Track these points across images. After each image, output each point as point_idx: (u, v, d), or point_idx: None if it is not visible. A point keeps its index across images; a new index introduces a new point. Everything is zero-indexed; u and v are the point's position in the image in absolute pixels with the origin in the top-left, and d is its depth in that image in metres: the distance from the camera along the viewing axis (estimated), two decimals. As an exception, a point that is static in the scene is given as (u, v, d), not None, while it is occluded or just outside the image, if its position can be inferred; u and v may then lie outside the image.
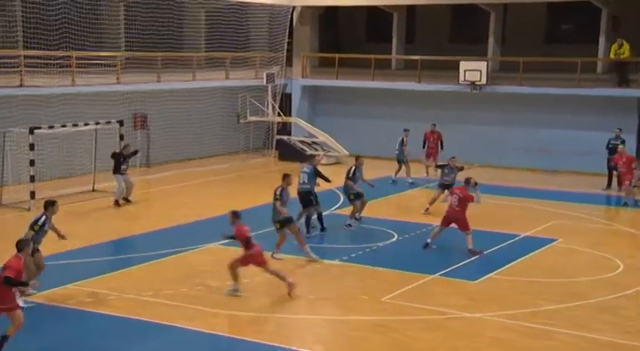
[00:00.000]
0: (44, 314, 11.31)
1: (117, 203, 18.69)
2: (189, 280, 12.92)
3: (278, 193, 13.97)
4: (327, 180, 16.32)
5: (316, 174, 15.95)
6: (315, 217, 16.15)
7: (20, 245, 10.13)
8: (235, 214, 12.01)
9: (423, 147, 23.06)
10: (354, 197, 16.86)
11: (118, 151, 19.28)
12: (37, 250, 11.92)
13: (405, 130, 22.28)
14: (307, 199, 15.79)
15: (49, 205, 12.19)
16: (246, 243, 11.78)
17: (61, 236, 12.42)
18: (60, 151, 21.22)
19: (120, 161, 18.72)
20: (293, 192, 15.10)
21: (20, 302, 10.87)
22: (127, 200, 18.95)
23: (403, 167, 22.07)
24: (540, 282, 13.26)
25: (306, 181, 15.86)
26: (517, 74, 24.71)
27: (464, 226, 14.71)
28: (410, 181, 21.70)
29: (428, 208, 18.09)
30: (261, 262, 11.92)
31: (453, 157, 18.49)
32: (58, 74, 20.80)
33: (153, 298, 12.00)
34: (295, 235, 14.09)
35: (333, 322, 11.27)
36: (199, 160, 26.03)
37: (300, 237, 14.20)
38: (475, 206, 18.88)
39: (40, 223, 11.90)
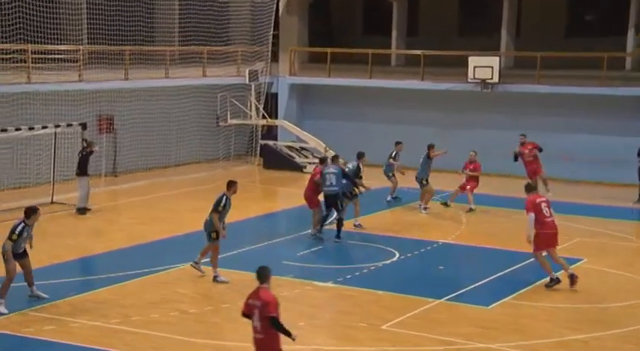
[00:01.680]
0: (-4, 345, 11.25)
1: (83, 211, 18.83)
2: (162, 304, 12.88)
3: (222, 203, 14.02)
4: (354, 184, 17.05)
5: (344, 175, 16.65)
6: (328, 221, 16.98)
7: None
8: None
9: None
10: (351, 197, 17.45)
11: (85, 151, 19.40)
12: (26, 254, 12.66)
13: (397, 143, 21.38)
14: (334, 202, 16.57)
15: (32, 212, 12.64)
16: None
17: (30, 246, 12.93)
18: (14, 157, 21.15)
19: (88, 161, 19.03)
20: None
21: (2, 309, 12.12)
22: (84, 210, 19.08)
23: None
24: (564, 308, 13.28)
25: (334, 182, 16.56)
26: (534, 71, 24.84)
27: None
28: (388, 199, 20.99)
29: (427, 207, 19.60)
30: None
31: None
32: (12, 70, 20.73)
33: (120, 325, 11.96)
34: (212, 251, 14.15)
35: (326, 354, 11.24)
36: (173, 169, 25.99)
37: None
38: (488, 222, 19.07)
39: (17, 231, 12.39)
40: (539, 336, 11.92)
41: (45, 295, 12.94)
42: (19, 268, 12.72)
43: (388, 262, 15.75)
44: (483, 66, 24.82)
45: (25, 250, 12.70)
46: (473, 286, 14.20)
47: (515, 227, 18.84)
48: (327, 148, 24.72)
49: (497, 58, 25.07)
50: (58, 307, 12.70)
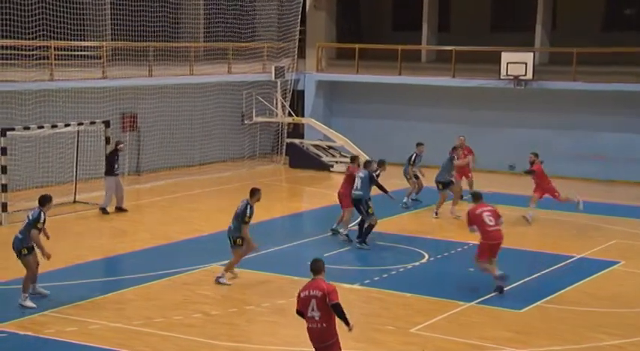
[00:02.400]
0: (18, 345, 11.38)
1: (105, 210, 18.96)
2: (185, 306, 12.95)
3: (248, 214, 14.00)
4: (383, 189, 16.94)
5: (371, 180, 16.70)
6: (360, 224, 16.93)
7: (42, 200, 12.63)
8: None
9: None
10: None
11: (112, 150, 19.58)
12: (33, 248, 12.82)
13: (419, 145, 20.98)
14: (357, 206, 16.65)
15: (47, 200, 12.96)
16: None
17: (47, 236, 13.22)
18: (36, 156, 21.38)
19: (114, 161, 19.18)
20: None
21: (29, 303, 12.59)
22: (120, 209, 19.25)
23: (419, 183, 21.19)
24: (599, 312, 13.16)
25: (359, 187, 16.61)
26: (569, 67, 24.65)
27: None
28: (404, 200, 20.36)
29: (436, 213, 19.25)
30: None
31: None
32: (35, 67, 20.96)
33: (143, 327, 12.03)
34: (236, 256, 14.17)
35: (353, 357, 11.24)
36: (197, 168, 26.13)
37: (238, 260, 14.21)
38: (521, 223, 18.93)
39: (42, 220, 12.72)
40: (572, 341, 11.83)
41: (46, 292, 13.16)
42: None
43: (417, 263, 15.71)
44: (517, 62, 24.65)
45: (32, 246, 12.86)
46: (505, 289, 14.08)
47: (548, 229, 18.76)
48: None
49: (532, 54, 24.88)
50: (80, 308, 12.81)
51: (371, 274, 14.83)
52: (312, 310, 9.17)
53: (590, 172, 24.94)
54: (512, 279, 14.58)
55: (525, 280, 14.71)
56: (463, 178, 20.99)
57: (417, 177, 20.85)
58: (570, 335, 12.06)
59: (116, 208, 19.34)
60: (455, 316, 12.77)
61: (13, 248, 12.90)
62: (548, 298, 13.70)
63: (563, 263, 15.90)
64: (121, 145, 19.87)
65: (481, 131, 25.31)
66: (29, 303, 12.67)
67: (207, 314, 12.60)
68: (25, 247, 12.75)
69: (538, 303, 13.44)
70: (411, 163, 20.74)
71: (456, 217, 19.15)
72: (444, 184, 19.51)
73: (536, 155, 19.34)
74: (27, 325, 11.97)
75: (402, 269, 15.30)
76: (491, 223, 13.73)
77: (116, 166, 19.39)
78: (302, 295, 9.36)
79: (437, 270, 15.41)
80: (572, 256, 16.33)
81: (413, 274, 15.08)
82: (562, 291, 14.09)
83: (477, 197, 14.32)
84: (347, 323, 9.28)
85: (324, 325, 9.16)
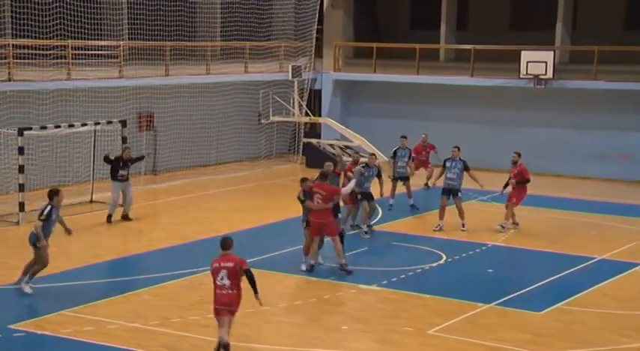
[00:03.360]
0: (35, 345, 11.49)
1: (109, 219, 18.44)
2: (202, 306, 12.99)
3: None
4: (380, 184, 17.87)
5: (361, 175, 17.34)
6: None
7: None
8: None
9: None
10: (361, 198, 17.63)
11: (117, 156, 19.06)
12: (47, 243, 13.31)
13: (402, 138, 20.86)
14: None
15: (54, 194, 13.44)
16: None
17: (68, 231, 13.75)
18: (53, 155, 21.55)
19: (119, 166, 18.49)
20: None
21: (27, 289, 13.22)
22: (125, 218, 18.67)
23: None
24: (620, 314, 13.10)
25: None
26: (591, 66, 24.52)
27: None
28: (390, 202, 20.05)
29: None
30: None
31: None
32: (52, 67, 21.14)
33: (159, 327, 12.11)
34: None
35: (370, 359, 11.27)
36: (214, 167, 26.23)
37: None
38: (541, 223, 18.86)
39: (45, 212, 13.27)
40: (592, 343, 11.79)
41: (29, 291, 13.36)
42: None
43: (435, 264, 15.70)
44: (537, 61, 24.56)
45: (46, 241, 13.29)
46: (523, 291, 14.08)
47: (568, 229, 18.69)
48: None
49: (552, 53, 24.78)
50: (97, 307, 12.90)
51: (388, 275, 14.82)
52: (222, 279, 10.67)
53: (614, 173, 24.78)
54: (532, 280, 14.58)
55: (545, 281, 14.66)
56: (421, 168, 22.07)
57: (398, 178, 20.27)
58: (591, 337, 12.02)
59: (122, 216, 18.67)
60: (473, 317, 12.76)
61: (29, 242, 13.40)
62: (568, 299, 13.66)
63: (584, 265, 15.84)
64: (128, 150, 18.96)
65: (500, 131, 25.26)
66: (28, 288, 13.27)
67: (223, 314, 12.64)
68: (39, 240, 13.26)
69: (558, 305, 13.39)
70: (392, 156, 20.55)
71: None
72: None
73: (519, 155, 18.34)
74: (44, 324, 12.08)
75: (419, 270, 15.30)
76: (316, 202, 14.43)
77: (122, 172, 18.47)
78: (214, 266, 10.84)
79: (455, 271, 15.38)
80: (593, 258, 16.27)
81: (430, 275, 15.07)
82: (582, 293, 14.04)
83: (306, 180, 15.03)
84: (255, 291, 10.63)
85: (234, 291, 10.67)
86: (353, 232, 17.43)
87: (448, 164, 18.11)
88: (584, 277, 14.94)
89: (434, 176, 21.33)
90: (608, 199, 21.87)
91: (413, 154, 20.75)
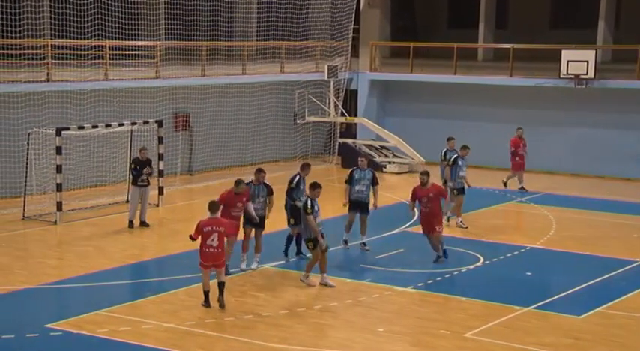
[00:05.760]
0: (72, 344, 11.63)
1: (130, 224, 18.10)
2: (237, 307, 13.09)
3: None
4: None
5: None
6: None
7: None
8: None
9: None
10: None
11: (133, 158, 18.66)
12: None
13: (449, 140, 19.78)
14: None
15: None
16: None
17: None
18: (91, 155, 21.80)
19: (135, 169, 18.04)
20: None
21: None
22: (143, 224, 18.20)
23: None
24: (660, 318, 12.94)
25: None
26: (633, 65, 24.21)
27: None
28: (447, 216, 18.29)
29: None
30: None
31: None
32: (89, 67, 21.39)
33: (195, 327, 12.19)
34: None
35: (406, 361, 11.25)
36: (250, 167, 26.23)
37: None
38: (581, 225, 18.67)
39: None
40: (634, 348, 11.66)
41: (332, 284, 14.04)
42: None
43: (472, 266, 15.62)
44: (578, 60, 24.29)
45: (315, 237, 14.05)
46: (563, 294, 13.96)
47: (608, 232, 18.46)
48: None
49: (593, 52, 24.49)
50: (133, 307, 13.04)
51: (425, 277, 14.78)
52: (212, 240, 12.65)
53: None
54: (571, 284, 14.43)
55: (585, 284, 14.51)
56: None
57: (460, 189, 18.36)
58: (632, 342, 11.88)
59: (140, 222, 18.27)
60: (511, 320, 12.67)
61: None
62: (609, 303, 13.50)
63: (626, 268, 15.63)
64: (144, 151, 18.38)
65: (540, 131, 25.01)
66: (310, 280, 14.06)
67: (258, 315, 12.72)
68: (308, 238, 14.22)
69: (599, 308, 13.25)
70: (444, 159, 19.21)
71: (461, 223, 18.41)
72: (457, 190, 18.28)
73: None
74: (81, 324, 12.22)
75: (456, 272, 15.22)
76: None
77: (143, 177, 18.00)
78: (205, 229, 12.69)
79: (492, 273, 15.28)
80: (635, 261, 16.05)
81: (468, 278, 14.99)
82: (624, 296, 13.87)
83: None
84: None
85: (220, 250, 12.70)
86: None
87: (460, 162, 18.11)
88: (626, 281, 14.75)
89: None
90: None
91: (512, 148, 20.51)
